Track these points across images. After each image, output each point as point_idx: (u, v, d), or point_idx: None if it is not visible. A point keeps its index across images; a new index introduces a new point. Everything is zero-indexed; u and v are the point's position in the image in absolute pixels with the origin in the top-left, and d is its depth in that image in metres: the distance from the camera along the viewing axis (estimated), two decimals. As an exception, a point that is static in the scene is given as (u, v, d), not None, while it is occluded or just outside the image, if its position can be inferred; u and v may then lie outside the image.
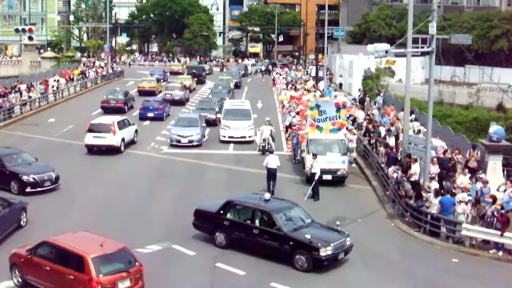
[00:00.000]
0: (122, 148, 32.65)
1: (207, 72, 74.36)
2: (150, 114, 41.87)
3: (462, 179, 22.19)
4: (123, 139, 32.69)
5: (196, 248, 19.06)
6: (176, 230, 20.85)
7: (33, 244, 16.24)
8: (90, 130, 32.09)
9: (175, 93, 49.41)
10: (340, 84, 58.51)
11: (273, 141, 32.77)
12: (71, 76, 59.55)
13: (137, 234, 20.26)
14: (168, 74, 70.52)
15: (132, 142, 34.25)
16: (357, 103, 40.51)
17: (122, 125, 33.05)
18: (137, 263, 15.36)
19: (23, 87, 47.74)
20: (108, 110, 43.93)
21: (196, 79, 62.96)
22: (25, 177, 24.65)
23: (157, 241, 19.56)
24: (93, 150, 32.23)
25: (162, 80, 61.72)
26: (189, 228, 21.02)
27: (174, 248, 19.15)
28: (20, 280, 16.08)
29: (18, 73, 68.88)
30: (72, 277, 14.65)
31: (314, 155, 25.53)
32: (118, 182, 27.02)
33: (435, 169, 23.45)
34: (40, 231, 18.68)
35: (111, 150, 31.91)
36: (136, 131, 35.16)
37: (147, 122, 41.16)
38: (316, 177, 24.61)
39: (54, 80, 55.01)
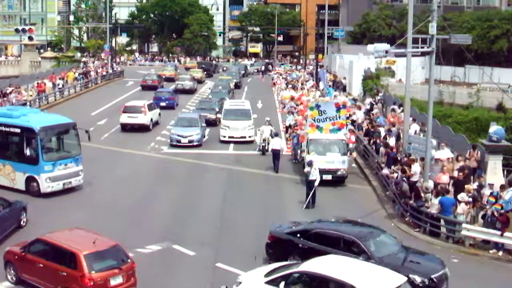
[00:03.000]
0: (151, 127, 38.37)
1: (220, 69, 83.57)
2: (163, 104, 45.98)
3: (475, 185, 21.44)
4: (151, 119, 38.66)
5: (196, 248, 19.05)
6: (176, 230, 20.86)
7: (27, 242, 16.38)
8: (125, 111, 38.03)
9: (185, 83, 57.87)
10: (344, 87, 57.74)
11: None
12: (65, 79, 58.38)
13: (137, 234, 20.27)
14: (184, 69, 79.85)
15: (156, 123, 39.66)
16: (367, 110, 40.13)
17: (150, 107, 39.31)
18: (129, 260, 15.49)
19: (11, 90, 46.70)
20: (146, 87, 56.71)
21: (205, 73, 72.69)
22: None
23: (157, 241, 19.56)
24: (126, 128, 37.59)
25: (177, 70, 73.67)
26: (189, 228, 21.06)
27: (174, 248, 19.15)
28: (14, 277, 16.21)
29: (18, 73, 68.80)
30: (65, 274, 14.82)
31: (310, 164, 24.19)
32: (118, 182, 27.03)
33: (446, 178, 22.75)
34: (40, 231, 18.65)
35: (142, 128, 37.44)
36: (159, 114, 40.83)
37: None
38: (316, 183, 23.68)
39: (60, 78, 55.99)
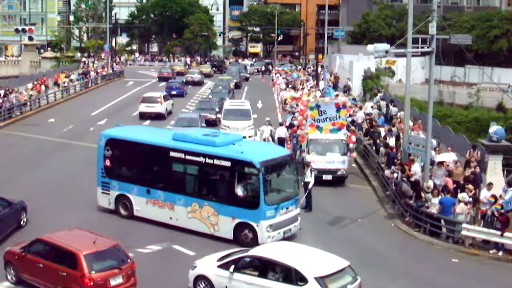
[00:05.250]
0: (166, 116, 41.94)
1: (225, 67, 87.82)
2: (174, 92, 52.09)
3: (485, 194, 20.77)
4: (166, 109, 42.76)
5: (196, 248, 19.03)
6: (176, 230, 20.82)
7: (26, 242, 16.39)
8: (143, 102, 42.22)
9: (195, 76, 67.14)
10: (348, 88, 57.31)
11: (273, 141, 32.75)
12: (57, 81, 57.19)
13: (138, 233, 20.28)
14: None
15: (170, 113, 43.29)
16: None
17: (165, 98, 43.56)
18: (129, 260, 15.51)
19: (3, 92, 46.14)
20: (162, 79, 66.33)
21: (215, 69, 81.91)
22: None
23: (157, 241, 19.57)
24: (144, 116, 41.51)
25: (187, 66, 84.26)
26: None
27: (174, 248, 19.16)
28: (14, 277, 16.23)
29: (18, 73, 68.82)
30: (65, 274, 14.84)
31: (307, 164, 24.37)
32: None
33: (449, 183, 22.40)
34: (40, 231, 18.65)
35: (158, 116, 41.31)
36: (172, 104, 45.01)
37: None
38: (310, 186, 23.39)
39: (65, 77, 57.03)
